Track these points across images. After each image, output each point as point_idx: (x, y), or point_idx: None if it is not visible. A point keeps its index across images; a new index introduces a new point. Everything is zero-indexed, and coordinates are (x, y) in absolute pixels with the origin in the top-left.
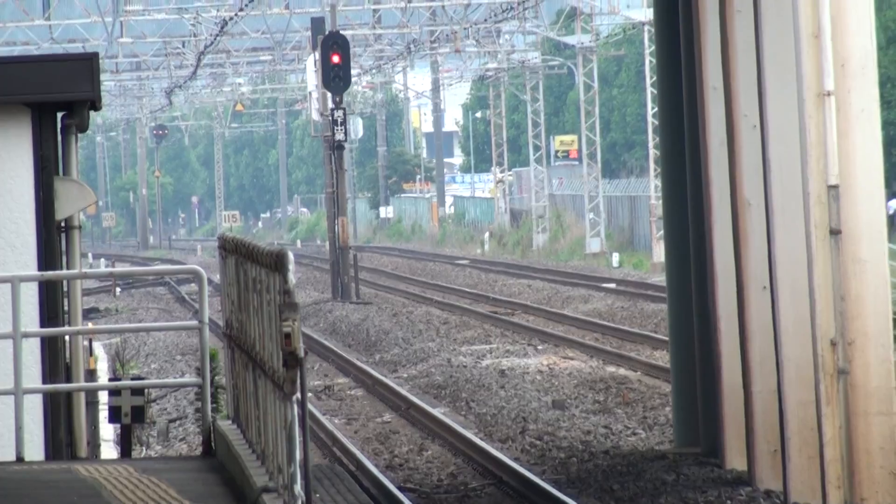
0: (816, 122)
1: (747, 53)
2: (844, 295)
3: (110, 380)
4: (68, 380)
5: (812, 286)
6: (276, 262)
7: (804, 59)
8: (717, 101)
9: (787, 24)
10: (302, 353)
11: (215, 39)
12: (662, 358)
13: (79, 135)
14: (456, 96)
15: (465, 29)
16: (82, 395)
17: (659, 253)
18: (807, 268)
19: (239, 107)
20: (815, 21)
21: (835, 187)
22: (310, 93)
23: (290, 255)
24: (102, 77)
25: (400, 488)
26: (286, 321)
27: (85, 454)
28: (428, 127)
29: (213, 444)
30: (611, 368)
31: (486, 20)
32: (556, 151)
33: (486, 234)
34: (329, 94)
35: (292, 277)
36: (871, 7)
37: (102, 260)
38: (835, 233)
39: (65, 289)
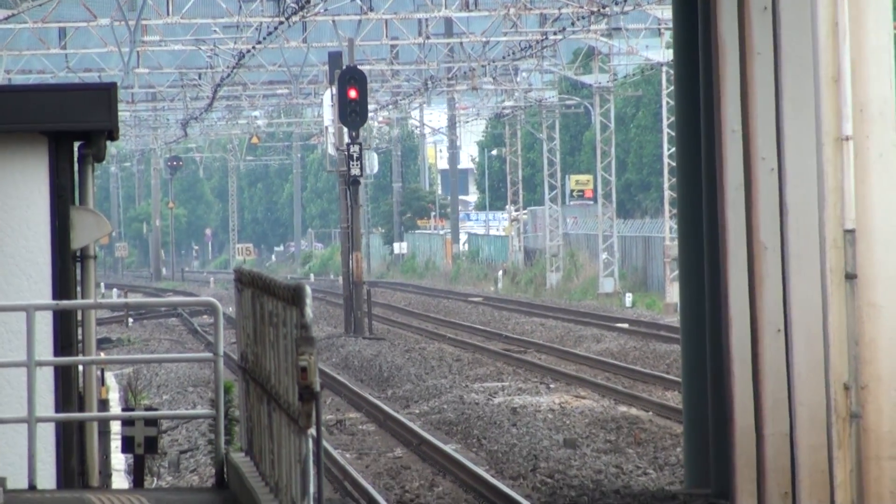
0: (834, 167)
1: (766, 96)
2: (858, 339)
3: (123, 410)
4: (81, 409)
5: (826, 330)
6: (293, 296)
7: (823, 104)
8: (735, 143)
9: (806, 68)
10: (318, 388)
11: (232, 72)
12: (674, 398)
13: (95, 164)
14: (472, 133)
15: (482, 66)
16: (95, 425)
17: (672, 294)
18: (821, 311)
19: (254, 140)
20: (834, 65)
21: (851, 232)
22: (326, 127)
23: (308, 290)
24: (118, 107)
25: None
26: (302, 355)
27: (97, 483)
28: (443, 164)
29: (225, 476)
30: (622, 408)
31: (503, 58)
32: (572, 191)
33: (500, 272)
34: (345, 129)
35: (310, 311)
36: (890, 52)
37: (115, 290)
38: (850, 277)
39: (79, 318)
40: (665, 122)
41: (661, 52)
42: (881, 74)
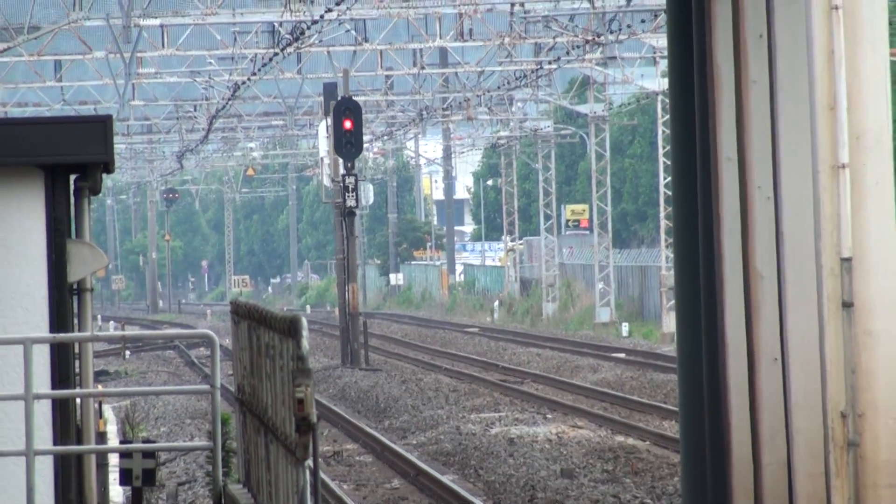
0: (830, 195)
1: (762, 124)
2: (855, 367)
3: (121, 442)
4: (79, 441)
5: (823, 358)
6: (289, 328)
7: (819, 132)
8: (730, 171)
9: (802, 96)
10: (315, 419)
11: (227, 103)
12: (671, 428)
13: (91, 197)
14: (467, 164)
15: (477, 96)
16: (93, 457)
17: (668, 323)
18: (818, 340)
19: (250, 171)
20: (830, 93)
21: (848, 260)
22: (321, 158)
23: (304, 321)
24: (114, 139)
25: None
26: (299, 387)
27: None
28: (439, 194)
29: None
30: (619, 438)
31: (498, 88)
32: (567, 220)
33: (496, 303)
34: (340, 160)
35: (306, 343)
36: (887, 80)
37: (112, 323)
38: (847, 305)
39: (76, 351)
40: (661, 151)
41: (657, 81)
42: (878, 102)
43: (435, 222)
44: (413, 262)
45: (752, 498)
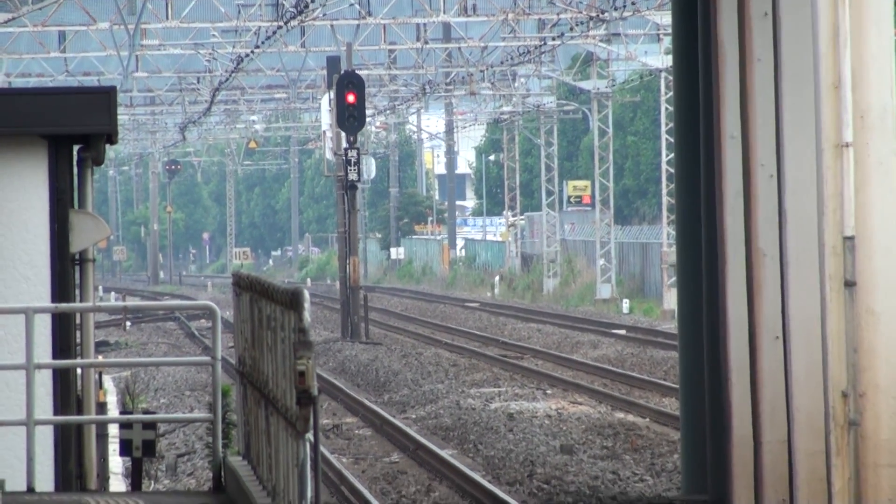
0: (834, 174)
1: (766, 103)
2: (857, 347)
3: (121, 413)
4: (79, 412)
5: (825, 337)
6: (291, 300)
7: (823, 110)
8: (734, 149)
9: (807, 75)
10: (316, 392)
11: (230, 76)
12: (671, 405)
13: (94, 168)
14: (470, 139)
15: (480, 72)
16: (93, 428)
17: (669, 300)
18: (820, 319)
19: (252, 144)
20: (835, 72)
21: (850, 239)
22: (324, 132)
23: (306, 294)
24: (117, 111)
25: None
26: (300, 359)
27: (95, 486)
28: (441, 169)
29: (223, 479)
30: (619, 414)
31: (501, 63)
32: (569, 196)
33: (497, 278)
34: (343, 134)
35: (308, 316)
36: (891, 59)
37: (112, 294)
38: (849, 284)
39: (77, 321)
40: (664, 128)
41: (660, 58)
42: (882, 81)
43: (436, 197)
44: (414, 237)
45: (752, 475)
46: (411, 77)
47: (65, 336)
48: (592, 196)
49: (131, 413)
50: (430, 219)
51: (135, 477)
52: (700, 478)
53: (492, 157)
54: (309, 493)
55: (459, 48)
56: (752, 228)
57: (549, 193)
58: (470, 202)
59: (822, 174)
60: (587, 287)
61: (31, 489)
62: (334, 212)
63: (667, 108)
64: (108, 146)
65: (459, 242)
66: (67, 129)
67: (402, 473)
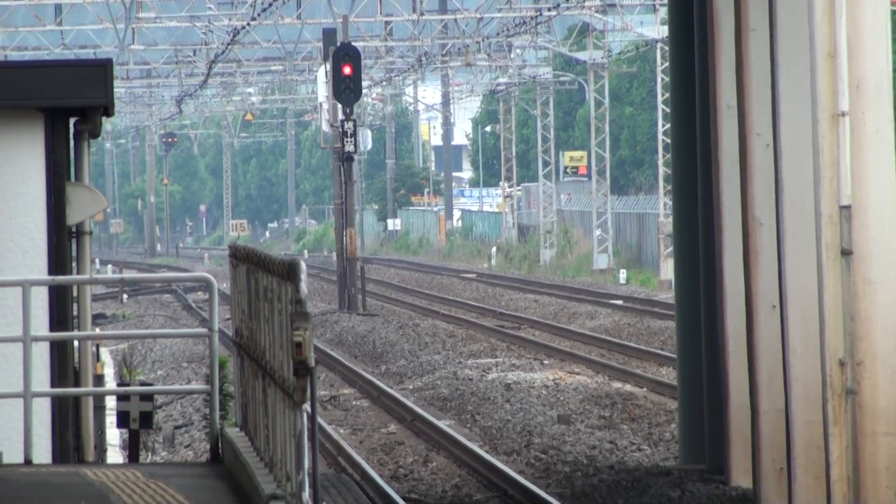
0: (830, 143)
1: (762, 72)
2: (854, 315)
3: (118, 385)
4: (77, 384)
5: (822, 306)
6: (288, 272)
7: (819, 79)
8: (730, 119)
9: (802, 44)
10: (312, 363)
11: (226, 48)
12: (668, 375)
13: (90, 140)
14: (466, 110)
15: (476, 43)
16: (90, 400)
17: (666, 270)
18: (817, 288)
19: (248, 116)
20: (830, 41)
21: (847, 208)
22: (320, 104)
23: (303, 265)
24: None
25: (405, 499)
26: (297, 330)
27: (92, 458)
28: (437, 140)
29: (220, 451)
30: (617, 384)
31: (497, 34)
32: (566, 167)
33: (494, 249)
34: (339, 106)
35: (304, 287)
36: (887, 28)
37: (109, 266)
38: (846, 253)
39: (74, 294)
40: (660, 99)
41: (656, 29)
42: (878, 50)
43: (433, 168)
44: (411, 208)
45: (750, 444)
46: (407, 49)
47: (62, 308)
48: (589, 166)
49: (128, 385)
50: (426, 190)
51: (132, 449)
52: (698, 447)
53: (488, 129)
54: (306, 464)
55: (455, 19)
56: (748, 198)
57: (546, 164)
58: (466, 173)
59: (818, 143)
60: (584, 257)
61: (28, 461)
62: (331, 183)
63: (663, 79)
64: (104, 119)
65: (456, 213)
66: (64, 102)
67: (400, 444)
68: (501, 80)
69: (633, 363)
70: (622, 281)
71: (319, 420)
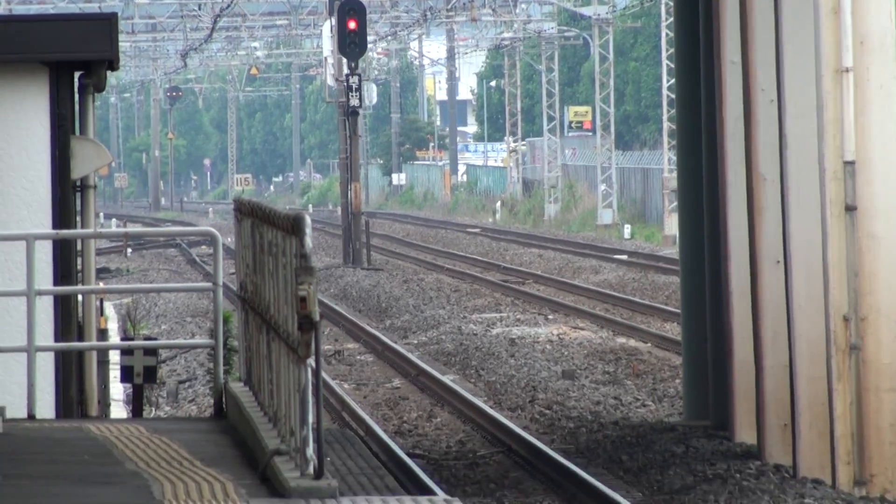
0: (834, 98)
1: (766, 28)
2: (858, 271)
3: (122, 340)
4: (80, 339)
5: (826, 262)
6: (292, 226)
7: (823, 35)
8: (734, 75)
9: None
10: (317, 317)
11: (231, 2)
12: (673, 330)
13: (95, 94)
14: (471, 65)
15: None
16: (94, 355)
17: (670, 225)
18: (821, 243)
19: (253, 70)
20: None
21: (851, 163)
22: (325, 58)
23: (308, 219)
24: (118, 37)
25: (409, 454)
26: (302, 285)
27: (95, 413)
28: (442, 95)
29: (224, 406)
30: (621, 339)
31: None
32: (570, 122)
33: (498, 204)
34: (344, 60)
35: (309, 241)
36: None
37: (114, 220)
38: (850, 209)
39: (78, 248)
40: (664, 54)
41: None
42: (881, 6)
43: (438, 123)
44: (415, 163)
45: (754, 400)
46: (412, 3)
47: (66, 263)
48: (593, 122)
49: (132, 340)
50: (431, 145)
51: (136, 403)
52: (702, 403)
53: (493, 83)
54: (310, 419)
55: None
56: (752, 153)
57: (551, 119)
58: (471, 128)
59: (822, 99)
60: (588, 212)
61: (31, 416)
62: (336, 138)
63: (667, 34)
64: (109, 73)
65: (461, 168)
66: (68, 56)
67: (404, 399)
68: (506, 34)
69: (637, 318)
70: (626, 236)
71: (324, 375)
